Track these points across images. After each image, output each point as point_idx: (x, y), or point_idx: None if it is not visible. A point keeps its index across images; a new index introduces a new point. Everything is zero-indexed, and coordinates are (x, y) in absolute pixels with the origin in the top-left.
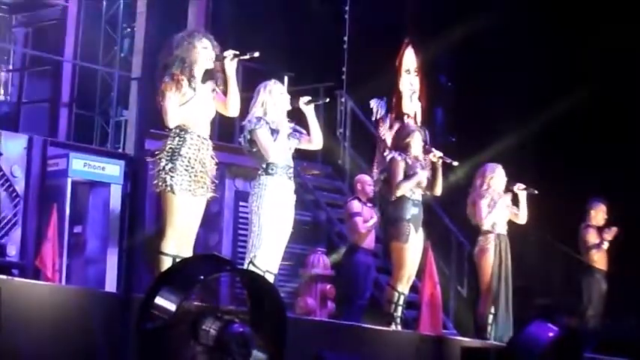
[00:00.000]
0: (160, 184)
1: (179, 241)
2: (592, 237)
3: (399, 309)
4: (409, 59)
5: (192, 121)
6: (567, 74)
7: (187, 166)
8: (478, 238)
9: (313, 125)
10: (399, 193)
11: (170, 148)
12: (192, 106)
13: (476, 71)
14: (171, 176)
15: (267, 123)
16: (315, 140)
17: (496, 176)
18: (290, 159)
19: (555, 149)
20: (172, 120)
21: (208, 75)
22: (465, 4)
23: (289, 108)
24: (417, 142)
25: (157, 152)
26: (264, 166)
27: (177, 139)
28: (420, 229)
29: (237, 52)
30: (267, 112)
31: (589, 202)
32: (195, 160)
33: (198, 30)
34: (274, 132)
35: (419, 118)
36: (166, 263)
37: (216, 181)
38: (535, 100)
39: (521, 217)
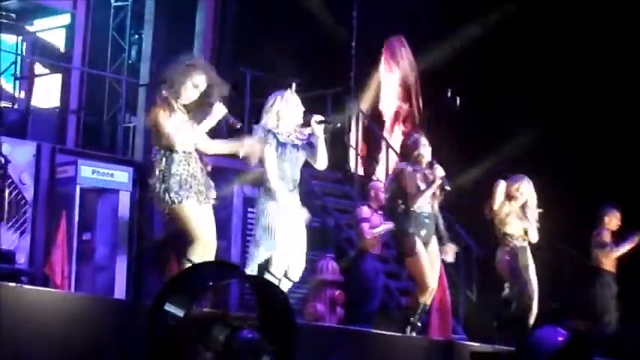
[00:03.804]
0: (163, 205)
1: (204, 248)
2: (607, 238)
3: (416, 317)
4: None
5: (177, 141)
6: (576, 78)
7: (180, 182)
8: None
9: (320, 146)
10: (416, 206)
11: (160, 171)
12: (179, 126)
13: (483, 77)
14: (170, 195)
15: (274, 136)
16: (319, 161)
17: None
18: (296, 172)
19: (565, 153)
20: (179, 142)
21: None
22: (469, 10)
23: (301, 122)
24: (425, 150)
25: (150, 180)
26: (264, 186)
27: (164, 160)
28: (433, 241)
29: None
30: (280, 122)
31: (603, 207)
32: (188, 174)
33: (200, 61)
34: (281, 145)
35: None
36: None
37: (212, 185)
38: (544, 104)
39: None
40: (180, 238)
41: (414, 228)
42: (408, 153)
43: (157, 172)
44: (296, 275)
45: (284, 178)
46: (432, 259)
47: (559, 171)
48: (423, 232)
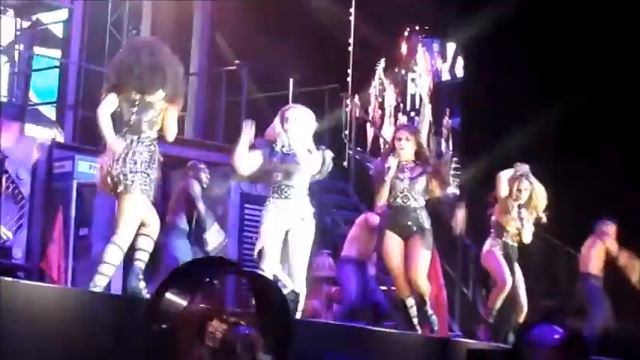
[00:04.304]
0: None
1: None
2: (597, 249)
3: (410, 314)
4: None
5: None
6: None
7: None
8: None
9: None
10: (377, 202)
11: (148, 156)
12: None
13: (482, 75)
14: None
15: (270, 145)
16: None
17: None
18: (286, 178)
19: (569, 156)
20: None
21: None
22: (469, 9)
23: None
24: (407, 144)
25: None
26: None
27: (152, 147)
28: (415, 236)
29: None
30: (283, 132)
31: (599, 222)
32: None
33: None
34: (274, 152)
35: None
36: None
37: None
38: (550, 102)
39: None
40: None
41: (390, 224)
42: (390, 146)
43: (142, 157)
44: (300, 286)
45: (279, 184)
46: (411, 253)
47: (559, 169)
48: (401, 227)
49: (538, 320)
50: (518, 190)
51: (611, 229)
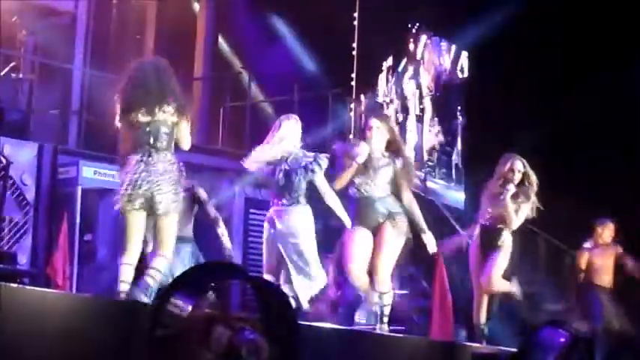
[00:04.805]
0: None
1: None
2: (596, 258)
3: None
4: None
5: None
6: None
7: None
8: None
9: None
10: (336, 186)
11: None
12: None
13: (489, 73)
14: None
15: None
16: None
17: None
18: (289, 186)
19: (571, 155)
20: None
21: None
22: (471, 9)
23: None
24: (378, 132)
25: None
26: None
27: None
28: (382, 227)
29: None
30: (282, 141)
31: (597, 221)
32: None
33: None
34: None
35: None
36: None
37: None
38: (551, 102)
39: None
40: None
41: (359, 219)
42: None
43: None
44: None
45: (278, 191)
46: (379, 241)
47: (558, 170)
48: (369, 219)
49: (543, 324)
50: (512, 170)
51: (609, 228)
